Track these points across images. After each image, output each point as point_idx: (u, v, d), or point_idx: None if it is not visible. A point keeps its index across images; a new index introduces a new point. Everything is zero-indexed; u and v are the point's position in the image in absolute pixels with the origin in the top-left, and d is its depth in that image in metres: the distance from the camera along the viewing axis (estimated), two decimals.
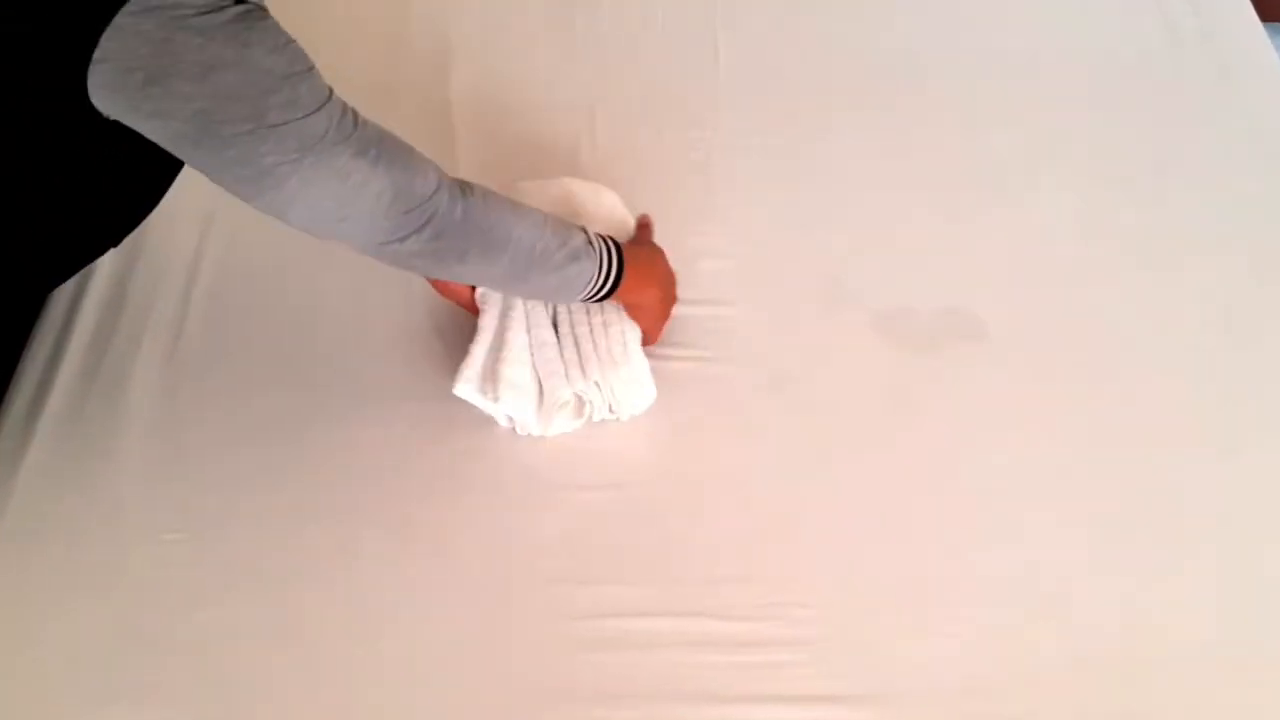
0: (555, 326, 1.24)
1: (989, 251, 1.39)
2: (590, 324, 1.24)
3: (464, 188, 1.04)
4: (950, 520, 1.17)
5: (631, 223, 1.35)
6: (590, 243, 1.14)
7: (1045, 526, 1.17)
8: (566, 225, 1.12)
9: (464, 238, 1.02)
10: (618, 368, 1.21)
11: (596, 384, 1.20)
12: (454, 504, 1.20)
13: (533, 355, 1.22)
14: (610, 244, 1.17)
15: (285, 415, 1.26)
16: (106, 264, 1.37)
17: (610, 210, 1.33)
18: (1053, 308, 1.34)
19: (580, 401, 1.22)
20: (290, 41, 0.91)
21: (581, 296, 1.16)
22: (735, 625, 1.09)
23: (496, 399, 1.19)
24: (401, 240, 1.00)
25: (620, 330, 1.23)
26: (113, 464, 1.22)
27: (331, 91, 0.94)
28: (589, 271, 1.13)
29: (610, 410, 1.23)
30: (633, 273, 1.18)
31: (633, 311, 1.24)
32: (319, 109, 0.91)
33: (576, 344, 1.22)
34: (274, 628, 1.11)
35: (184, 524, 1.18)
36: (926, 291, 1.35)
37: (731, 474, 1.21)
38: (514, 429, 1.24)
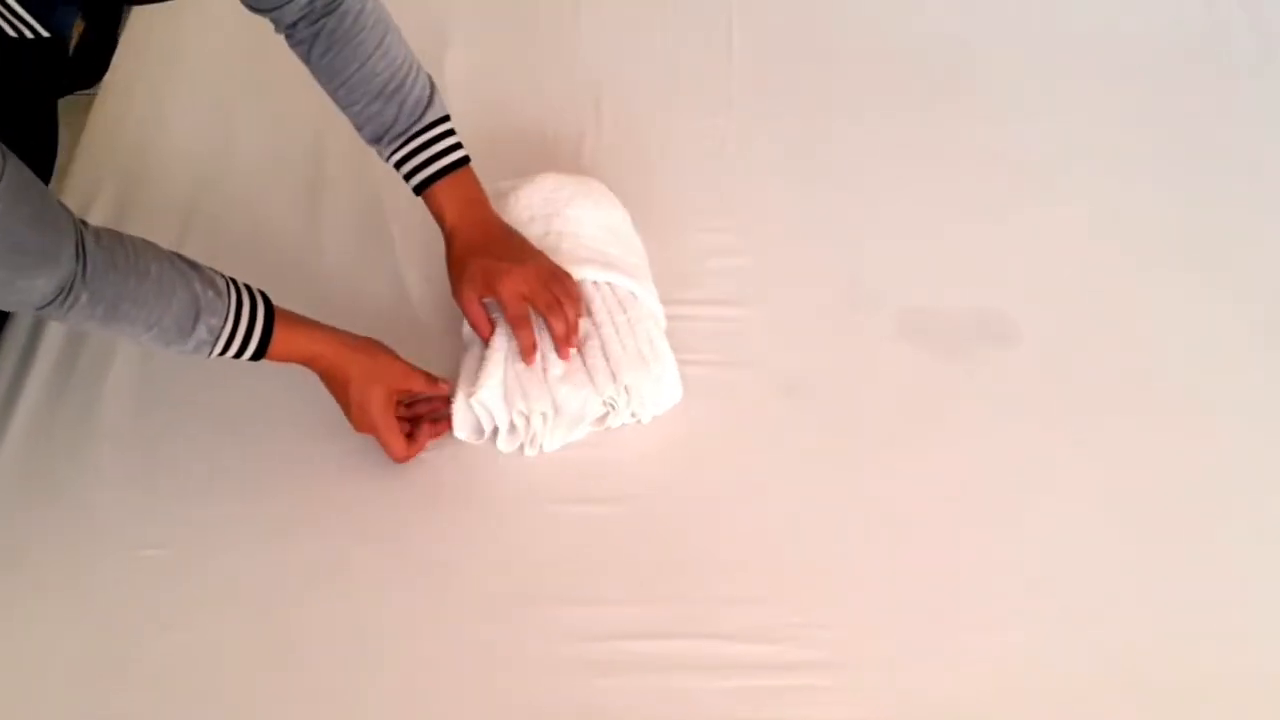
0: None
1: (1022, 250, 1.38)
2: (615, 324, 1.22)
3: (64, 296, 0.97)
4: (979, 535, 1.16)
5: (620, 215, 1.33)
6: (211, 343, 1.07)
7: (1081, 542, 1.16)
8: (185, 326, 1.06)
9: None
10: (648, 367, 1.19)
11: (626, 388, 1.19)
12: (450, 518, 1.18)
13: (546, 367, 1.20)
14: (246, 344, 1.10)
15: (269, 424, 1.25)
16: None
17: (595, 207, 1.32)
18: (1090, 309, 1.33)
19: (605, 408, 1.20)
20: None
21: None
22: (752, 648, 1.09)
23: (528, 414, 1.17)
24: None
25: (646, 328, 1.22)
26: (85, 476, 1.21)
27: None
28: (204, 355, 1.09)
29: (633, 414, 1.22)
30: (292, 361, 1.14)
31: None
32: None
33: (603, 347, 1.20)
34: (257, 651, 1.10)
35: (161, 539, 1.16)
36: (955, 292, 1.34)
37: (745, 487, 1.20)
38: (521, 449, 1.21)
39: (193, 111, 1.55)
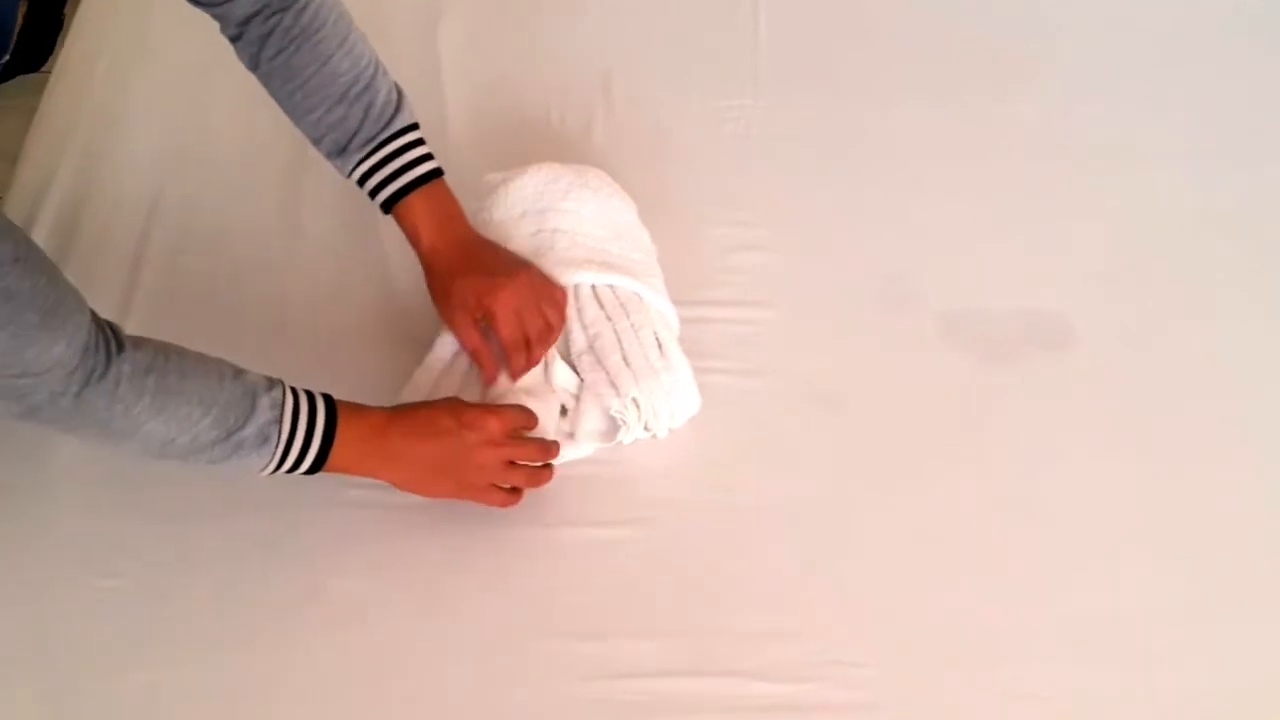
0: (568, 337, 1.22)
1: (1078, 245, 1.37)
2: (616, 329, 1.20)
3: (102, 369, 0.95)
4: (1029, 562, 1.15)
5: (624, 207, 1.32)
6: (278, 421, 1.04)
7: (1141, 568, 1.15)
8: (244, 405, 1.02)
9: (69, 422, 0.99)
10: (657, 376, 1.18)
11: (635, 401, 1.18)
12: (443, 544, 1.17)
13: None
14: (313, 421, 1.06)
15: None
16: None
17: (595, 199, 1.30)
18: (1152, 311, 1.32)
19: (613, 423, 1.19)
20: None
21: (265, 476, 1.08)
22: (780, 687, 1.07)
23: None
24: None
25: (652, 332, 1.21)
26: (39, 494, 1.20)
27: None
28: (258, 465, 1.06)
29: (646, 428, 1.20)
30: (364, 449, 1.10)
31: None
32: None
33: (605, 356, 1.19)
34: (230, 693, 1.08)
35: (123, 567, 1.15)
36: (1003, 291, 1.33)
37: (771, 507, 1.19)
38: None
39: (159, 90, 1.54)
